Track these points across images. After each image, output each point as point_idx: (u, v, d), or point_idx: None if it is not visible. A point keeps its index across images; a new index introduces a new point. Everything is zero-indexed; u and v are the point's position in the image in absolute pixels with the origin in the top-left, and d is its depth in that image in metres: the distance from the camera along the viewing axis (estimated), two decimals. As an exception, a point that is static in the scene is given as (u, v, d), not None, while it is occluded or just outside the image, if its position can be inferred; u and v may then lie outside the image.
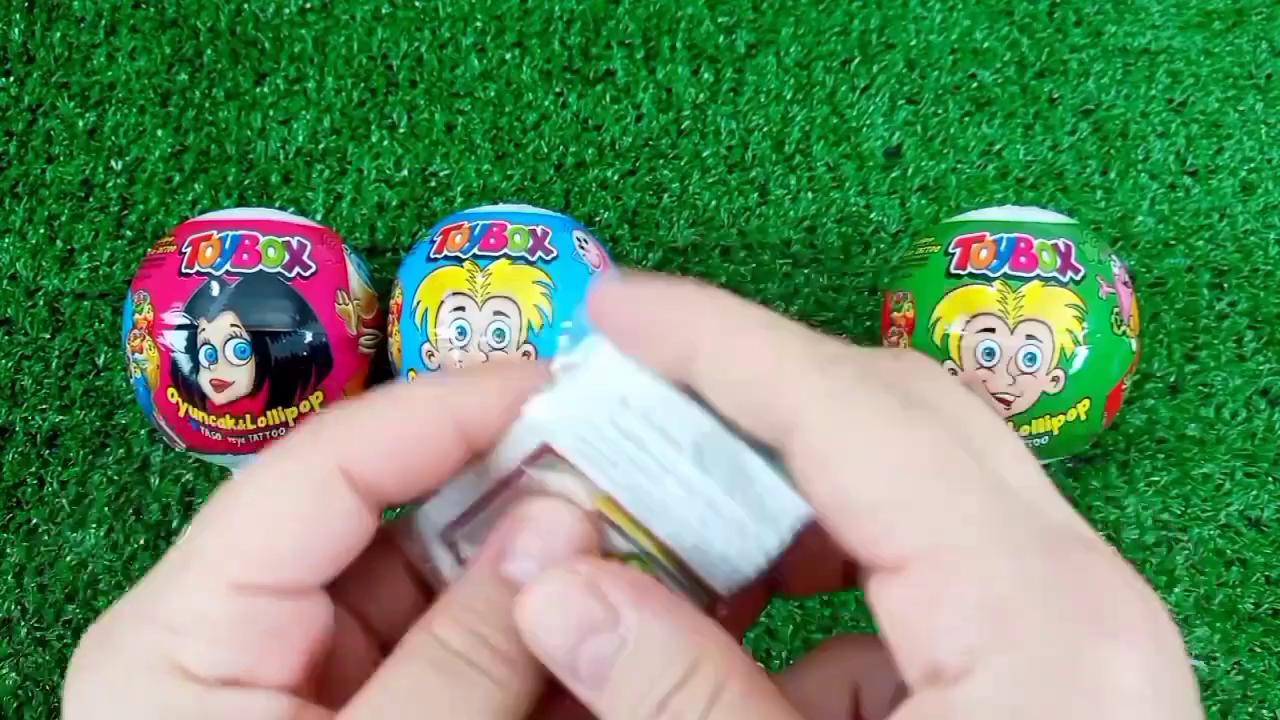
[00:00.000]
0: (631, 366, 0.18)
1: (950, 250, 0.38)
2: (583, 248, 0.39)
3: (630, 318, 0.18)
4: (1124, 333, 0.37)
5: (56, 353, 0.45)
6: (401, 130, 0.48)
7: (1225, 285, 0.47)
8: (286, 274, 0.37)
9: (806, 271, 0.47)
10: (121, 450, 0.44)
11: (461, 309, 0.37)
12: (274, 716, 0.16)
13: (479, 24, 0.50)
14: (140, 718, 0.16)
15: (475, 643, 0.17)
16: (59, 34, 0.49)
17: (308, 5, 0.50)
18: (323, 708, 0.17)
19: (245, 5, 0.49)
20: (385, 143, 0.48)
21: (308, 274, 0.38)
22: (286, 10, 0.49)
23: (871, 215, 0.47)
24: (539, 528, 0.18)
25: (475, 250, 0.38)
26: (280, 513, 0.17)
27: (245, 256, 0.37)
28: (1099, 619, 0.13)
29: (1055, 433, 0.36)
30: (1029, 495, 0.15)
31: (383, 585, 0.20)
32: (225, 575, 0.16)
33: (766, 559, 0.18)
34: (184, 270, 0.37)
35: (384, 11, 0.50)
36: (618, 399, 0.18)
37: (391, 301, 0.40)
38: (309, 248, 0.38)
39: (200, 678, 0.16)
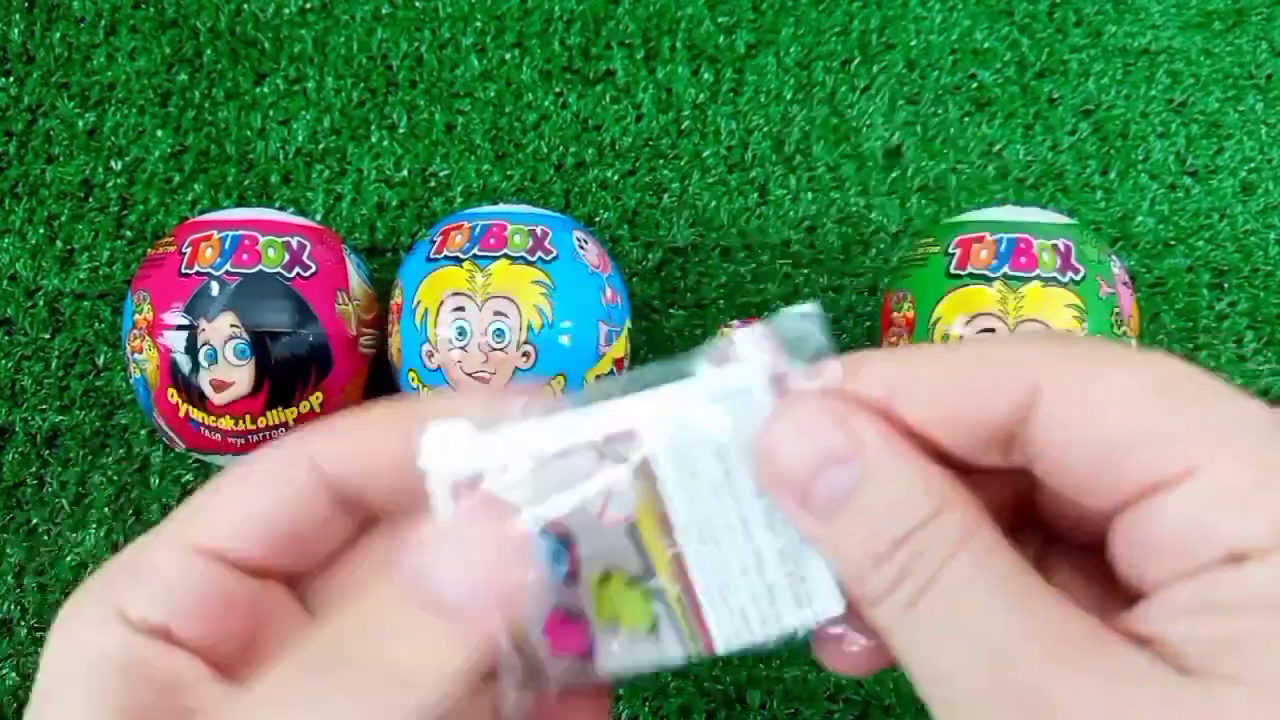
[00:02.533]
0: (767, 402, 0.17)
1: (950, 250, 0.38)
2: (583, 248, 0.39)
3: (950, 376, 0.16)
4: (1124, 333, 0.37)
5: (56, 353, 0.45)
6: (401, 130, 0.48)
7: (1225, 285, 0.47)
8: (286, 274, 0.37)
9: (806, 271, 0.47)
10: (121, 450, 0.44)
11: (461, 309, 0.37)
12: (186, 679, 0.17)
13: (479, 24, 0.50)
14: (76, 655, 0.17)
15: (379, 676, 0.16)
16: (59, 34, 0.49)
17: (308, 5, 0.50)
18: (235, 686, 0.17)
19: (245, 5, 0.49)
20: (385, 143, 0.48)
21: (308, 274, 0.38)
22: (286, 10, 0.49)
23: (871, 215, 0.47)
24: (470, 546, 0.16)
25: (475, 250, 0.38)
26: (250, 491, 0.18)
27: (245, 256, 0.37)
28: None
29: (1055, 433, 0.36)
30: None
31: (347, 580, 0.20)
32: (190, 538, 0.18)
33: (780, 634, 0.17)
34: (184, 270, 0.37)
35: (384, 11, 0.50)
36: (730, 428, 0.17)
37: (391, 301, 0.40)
38: (309, 248, 0.38)
39: (132, 622, 0.17)
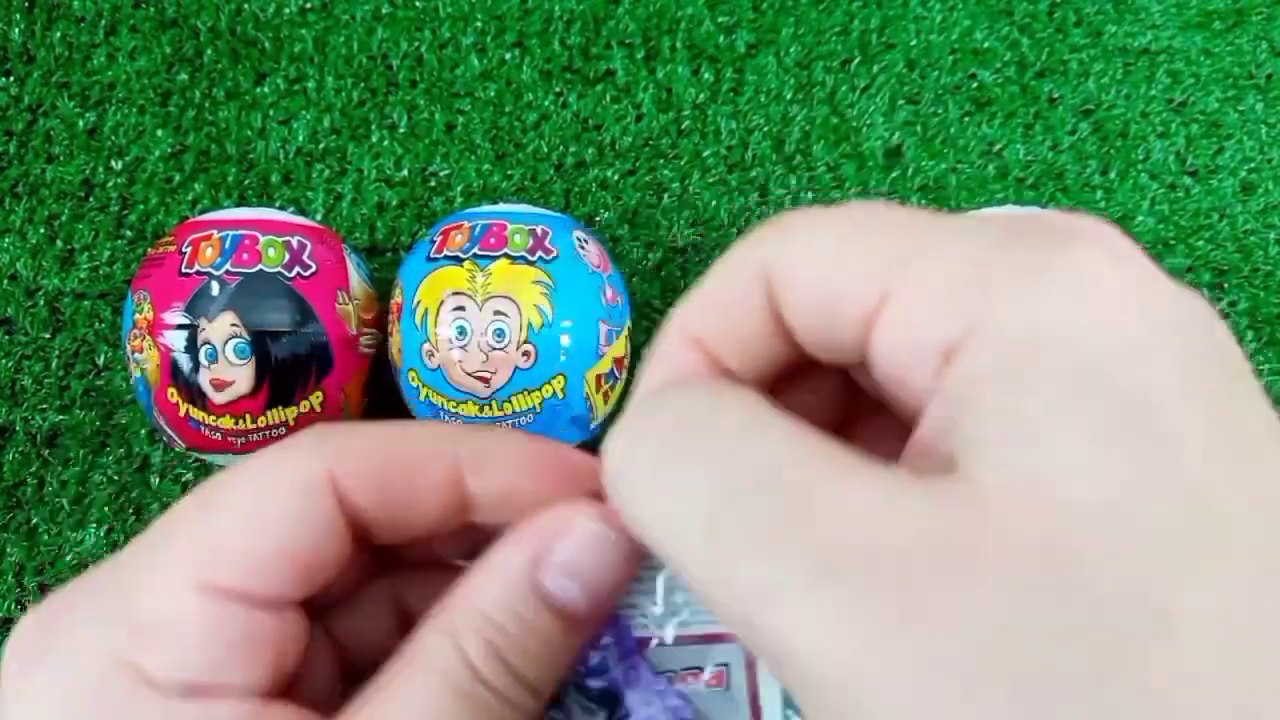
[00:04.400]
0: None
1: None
2: (583, 248, 0.39)
3: None
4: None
5: (56, 353, 0.45)
6: (401, 130, 0.48)
7: (1225, 285, 0.47)
8: (286, 274, 0.37)
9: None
10: (121, 450, 0.44)
11: (461, 309, 0.37)
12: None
13: (479, 24, 0.50)
14: (84, 713, 0.15)
15: (502, 672, 0.16)
16: (59, 34, 0.49)
17: (308, 5, 0.50)
18: (288, 703, 0.16)
19: (245, 5, 0.49)
20: (385, 143, 0.48)
21: (308, 274, 0.38)
22: (286, 10, 0.49)
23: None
24: (582, 543, 0.17)
25: (475, 250, 0.38)
26: (262, 515, 0.16)
27: (245, 256, 0.37)
28: (1063, 282, 0.13)
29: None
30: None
31: (362, 612, 0.19)
32: (197, 575, 0.15)
33: None
34: (184, 270, 0.37)
35: (384, 11, 0.50)
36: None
37: (391, 301, 0.40)
38: (309, 247, 0.38)
39: (162, 685, 0.15)
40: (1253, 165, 0.48)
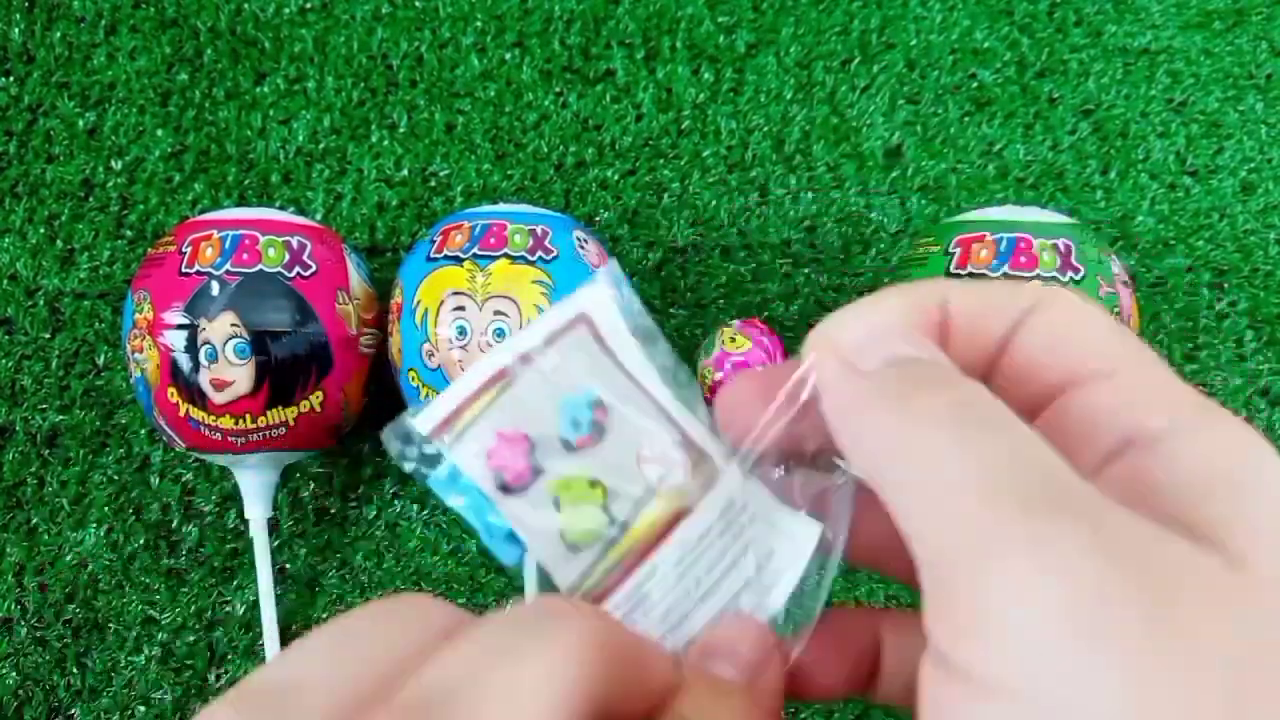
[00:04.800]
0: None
1: (950, 250, 0.38)
2: (583, 248, 0.39)
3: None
4: (1124, 332, 0.37)
5: (56, 353, 0.45)
6: (401, 130, 0.48)
7: (1225, 285, 0.47)
8: (286, 274, 0.37)
9: (806, 271, 0.47)
10: (121, 450, 0.44)
11: (461, 308, 0.37)
12: None
13: (479, 24, 0.50)
14: None
15: None
16: (59, 34, 0.49)
17: (308, 5, 0.50)
18: None
19: (245, 5, 0.49)
20: (385, 143, 0.48)
21: (308, 274, 0.38)
22: (286, 10, 0.49)
23: (871, 215, 0.47)
24: (738, 634, 0.19)
25: (475, 250, 0.38)
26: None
27: (245, 256, 0.37)
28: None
29: (1055, 432, 0.36)
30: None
31: None
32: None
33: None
34: (184, 270, 0.37)
35: (384, 11, 0.50)
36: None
37: (391, 301, 0.40)
38: (309, 247, 0.38)
39: None
40: (1253, 165, 0.48)
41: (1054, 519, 0.13)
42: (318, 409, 0.38)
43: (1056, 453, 0.14)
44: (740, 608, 0.19)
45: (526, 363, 0.19)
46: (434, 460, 0.19)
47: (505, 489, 0.19)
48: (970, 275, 0.37)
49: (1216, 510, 0.14)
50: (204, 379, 0.36)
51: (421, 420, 0.19)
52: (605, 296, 0.20)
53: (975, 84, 0.49)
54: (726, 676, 0.18)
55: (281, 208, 0.46)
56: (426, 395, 0.38)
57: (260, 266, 0.37)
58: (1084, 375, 0.17)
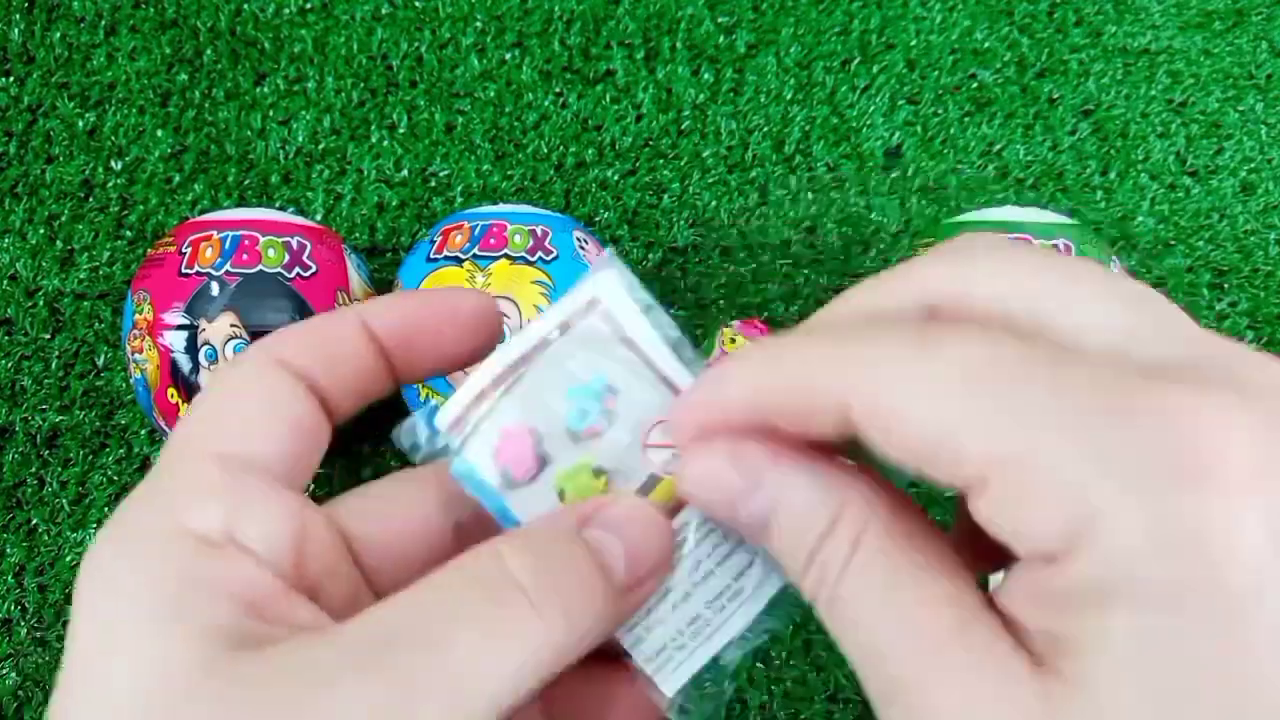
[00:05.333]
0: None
1: (950, 250, 0.38)
2: (583, 248, 0.39)
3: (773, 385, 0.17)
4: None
5: (56, 353, 0.45)
6: (401, 130, 0.48)
7: (1225, 285, 0.47)
8: (286, 274, 0.37)
9: (806, 271, 0.47)
10: (121, 450, 0.44)
11: (461, 309, 0.37)
12: (258, 585, 0.16)
13: (479, 24, 0.50)
14: (161, 576, 0.16)
15: (538, 575, 0.16)
16: (59, 34, 0.49)
17: (308, 5, 0.50)
18: (306, 599, 0.17)
19: (245, 5, 0.49)
20: (385, 143, 0.48)
21: (308, 274, 0.38)
22: (286, 10, 0.49)
23: (871, 215, 0.47)
24: (634, 517, 0.18)
25: (475, 250, 0.38)
26: (241, 395, 0.19)
27: (245, 256, 0.37)
28: (1181, 473, 0.13)
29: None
30: (1107, 339, 0.14)
31: (395, 518, 0.20)
32: (209, 449, 0.17)
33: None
34: (184, 270, 0.37)
35: (384, 11, 0.50)
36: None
37: (391, 301, 0.40)
38: (309, 248, 0.38)
39: (204, 535, 0.16)
40: (1253, 165, 0.48)
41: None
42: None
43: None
44: (741, 588, 0.20)
45: (539, 350, 0.20)
46: (446, 455, 0.19)
47: (513, 483, 0.19)
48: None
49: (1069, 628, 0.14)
50: (204, 380, 0.36)
51: (440, 417, 0.19)
52: (613, 277, 0.20)
53: (975, 84, 0.49)
54: (608, 557, 0.18)
55: (281, 208, 0.46)
56: (426, 395, 0.38)
57: (260, 267, 0.37)
58: (960, 485, 0.15)
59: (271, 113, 0.48)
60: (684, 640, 0.19)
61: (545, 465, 0.19)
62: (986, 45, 0.50)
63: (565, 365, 0.20)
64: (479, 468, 0.19)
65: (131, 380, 0.39)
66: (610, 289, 0.20)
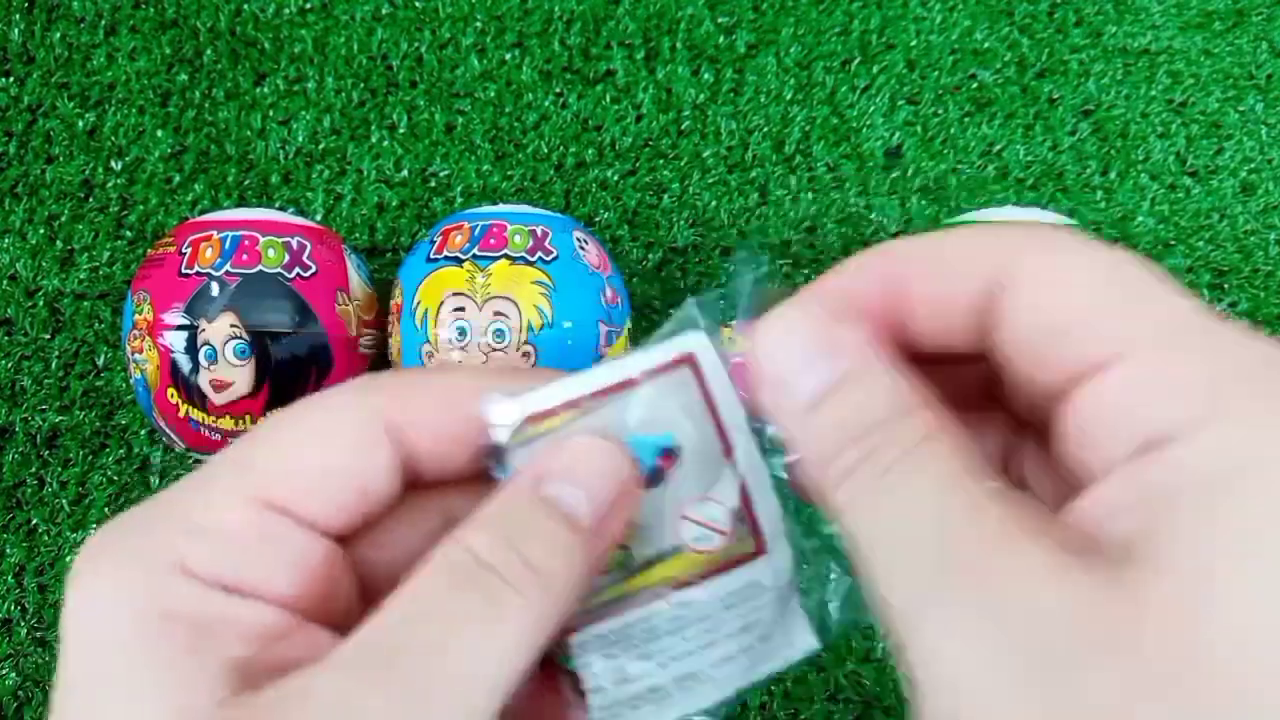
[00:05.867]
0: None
1: (950, 251, 0.38)
2: (583, 248, 0.39)
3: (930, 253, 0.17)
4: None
5: (56, 353, 0.45)
6: (401, 130, 0.48)
7: (1225, 285, 0.47)
8: (286, 274, 0.37)
9: (806, 272, 0.47)
10: (121, 450, 0.44)
11: (461, 309, 0.37)
12: (268, 625, 0.16)
13: (479, 24, 0.50)
14: (135, 608, 0.15)
15: (507, 553, 0.16)
16: (59, 34, 0.49)
17: (308, 5, 0.50)
18: (320, 626, 0.17)
19: (245, 5, 0.49)
20: (385, 143, 0.48)
21: (308, 274, 0.38)
22: (286, 10, 0.49)
23: (871, 215, 0.47)
24: (584, 455, 0.18)
25: (475, 251, 0.38)
26: (325, 442, 0.17)
27: (245, 257, 0.37)
28: None
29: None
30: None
31: (396, 544, 0.20)
32: (253, 491, 0.16)
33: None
34: (184, 270, 0.37)
35: (384, 11, 0.50)
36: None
37: (391, 302, 0.40)
38: (309, 248, 0.38)
39: (202, 577, 0.16)
40: (1253, 165, 0.48)
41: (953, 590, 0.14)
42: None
43: (987, 499, 0.15)
44: (713, 678, 0.19)
45: (622, 389, 0.19)
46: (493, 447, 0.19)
47: None
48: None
49: (1163, 526, 0.13)
50: (204, 380, 0.36)
51: (500, 410, 0.19)
52: (705, 342, 0.19)
53: (975, 84, 0.49)
54: (569, 507, 0.17)
55: (281, 208, 0.46)
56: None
57: (260, 267, 0.37)
58: (1085, 368, 0.15)
59: (271, 113, 0.48)
60: (638, 702, 0.19)
61: None
62: (986, 45, 0.50)
63: (640, 411, 0.19)
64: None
65: (131, 380, 0.39)
66: (707, 351, 0.19)
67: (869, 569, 0.15)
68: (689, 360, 0.19)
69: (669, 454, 0.19)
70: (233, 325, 0.36)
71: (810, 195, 0.48)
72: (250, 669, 0.15)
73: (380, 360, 0.41)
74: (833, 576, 0.20)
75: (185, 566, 0.16)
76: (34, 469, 0.44)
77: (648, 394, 0.19)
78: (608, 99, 0.49)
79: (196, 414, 0.37)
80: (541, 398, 0.19)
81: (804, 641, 0.20)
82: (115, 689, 0.15)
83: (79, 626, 0.16)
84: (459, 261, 0.37)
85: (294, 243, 0.38)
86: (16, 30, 0.49)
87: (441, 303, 0.37)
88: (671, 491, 0.19)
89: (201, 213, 0.43)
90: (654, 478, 0.19)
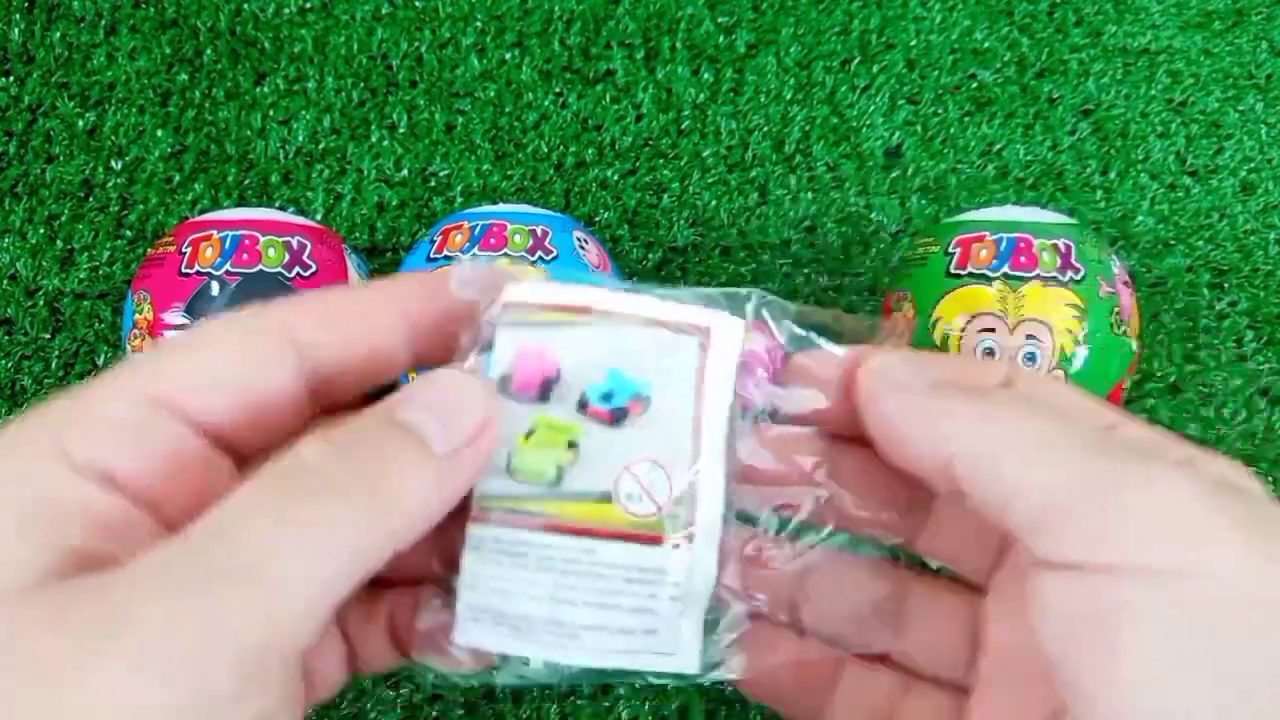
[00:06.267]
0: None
1: (950, 250, 0.38)
2: (583, 248, 0.39)
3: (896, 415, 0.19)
4: (1124, 333, 0.37)
5: (56, 353, 0.45)
6: (401, 130, 0.48)
7: (1225, 285, 0.47)
8: (286, 274, 0.37)
9: (806, 271, 0.47)
10: (121, 450, 0.44)
11: (461, 309, 0.37)
12: (119, 519, 0.16)
13: (479, 24, 0.50)
14: (9, 490, 0.16)
15: (340, 462, 0.16)
16: (59, 34, 0.49)
17: (308, 5, 0.50)
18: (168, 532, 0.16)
19: (245, 5, 0.49)
20: (385, 143, 0.48)
21: (308, 274, 0.38)
22: (286, 10, 0.49)
23: (871, 215, 0.47)
24: (453, 388, 0.18)
25: (475, 250, 0.38)
26: (217, 351, 0.17)
27: (245, 256, 0.37)
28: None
29: (1055, 433, 0.36)
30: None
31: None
32: (146, 385, 0.17)
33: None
34: (184, 270, 0.37)
35: (384, 11, 0.50)
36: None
37: (391, 301, 0.40)
38: (309, 248, 0.38)
39: (82, 468, 0.16)
40: (1253, 165, 0.48)
41: (1153, 464, 0.17)
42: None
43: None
44: (583, 640, 0.19)
45: (624, 321, 0.19)
46: (480, 311, 0.19)
47: (506, 390, 0.19)
48: (970, 275, 0.37)
49: None
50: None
51: (513, 290, 0.19)
52: (738, 332, 0.19)
53: (975, 84, 0.49)
54: (420, 433, 0.17)
55: (281, 208, 0.46)
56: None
57: (260, 267, 0.37)
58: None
59: (271, 113, 0.48)
60: (501, 621, 0.19)
61: (539, 400, 0.19)
62: (986, 45, 0.50)
63: (629, 350, 0.19)
64: (495, 351, 0.19)
65: (131, 380, 0.39)
66: (728, 339, 0.19)
67: (1010, 463, 0.17)
68: (704, 333, 0.19)
69: (639, 401, 0.19)
70: (233, 325, 0.36)
71: (810, 195, 0.48)
72: (81, 560, 0.15)
73: (380, 360, 0.41)
74: (732, 613, 0.20)
75: (62, 449, 0.16)
76: (34, 469, 0.44)
77: (650, 339, 0.19)
78: (608, 99, 0.49)
79: (196, 414, 0.37)
80: (556, 289, 0.19)
81: (686, 659, 0.19)
82: None
83: None
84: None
85: (294, 242, 0.38)
86: (16, 30, 0.49)
87: (441, 302, 0.37)
88: (626, 439, 0.19)
89: (201, 212, 0.43)
90: (617, 417, 0.19)
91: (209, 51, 0.49)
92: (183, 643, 0.14)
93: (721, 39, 0.50)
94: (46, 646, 0.14)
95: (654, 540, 0.19)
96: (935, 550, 0.21)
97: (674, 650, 0.19)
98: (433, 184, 0.48)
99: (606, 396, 0.19)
